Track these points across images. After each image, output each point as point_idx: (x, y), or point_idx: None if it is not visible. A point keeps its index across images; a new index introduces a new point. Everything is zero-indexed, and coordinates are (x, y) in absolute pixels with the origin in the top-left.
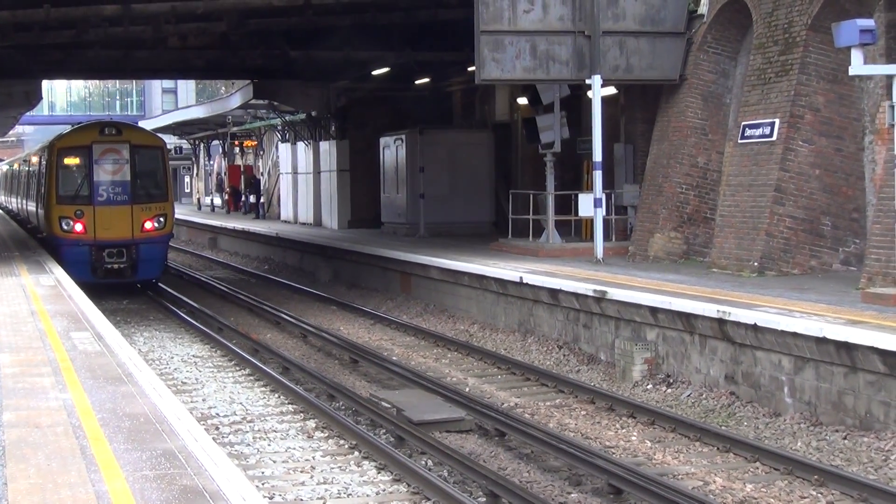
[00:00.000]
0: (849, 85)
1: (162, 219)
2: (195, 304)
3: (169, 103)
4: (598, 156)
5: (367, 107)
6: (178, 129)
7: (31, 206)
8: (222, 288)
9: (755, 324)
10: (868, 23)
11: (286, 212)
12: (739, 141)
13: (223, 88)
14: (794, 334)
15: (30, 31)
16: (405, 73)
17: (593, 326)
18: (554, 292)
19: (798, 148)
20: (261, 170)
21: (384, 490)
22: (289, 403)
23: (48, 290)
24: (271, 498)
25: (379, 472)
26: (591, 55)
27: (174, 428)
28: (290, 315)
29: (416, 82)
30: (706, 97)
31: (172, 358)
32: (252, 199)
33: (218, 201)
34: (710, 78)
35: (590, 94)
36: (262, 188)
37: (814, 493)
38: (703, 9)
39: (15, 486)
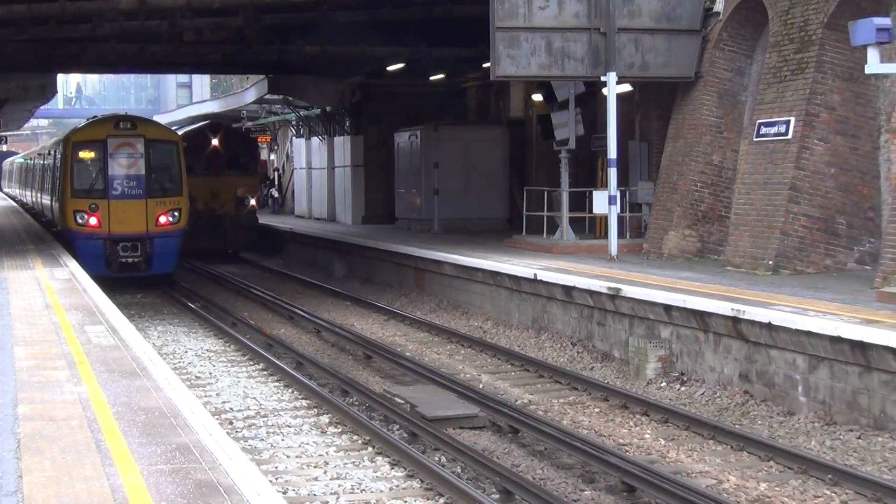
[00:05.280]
0: (865, 83)
1: (176, 213)
2: (209, 299)
3: (184, 98)
4: (612, 153)
5: (381, 102)
6: (193, 123)
7: (46, 200)
8: (236, 282)
9: (770, 322)
10: (884, 21)
11: (300, 207)
12: (755, 139)
13: (237, 83)
14: (809, 333)
15: (45, 25)
16: (420, 69)
17: (607, 324)
18: (568, 289)
19: (813, 146)
20: (275, 164)
21: (398, 486)
22: (302, 398)
23: (63, 283)
24: (285, 493)
25: (392, 468)
26: (606, 52)
27: (189, 422)
28: (304, 310)
29: (431, 78)
30: (721, 95)
31: (186, 352)
32: (274, 192)
33: None
34: (725, 76)
35: (605, 91)
36: (278, 183)
37: (828, 492)
38: (718, 6)
39: (30, 478)
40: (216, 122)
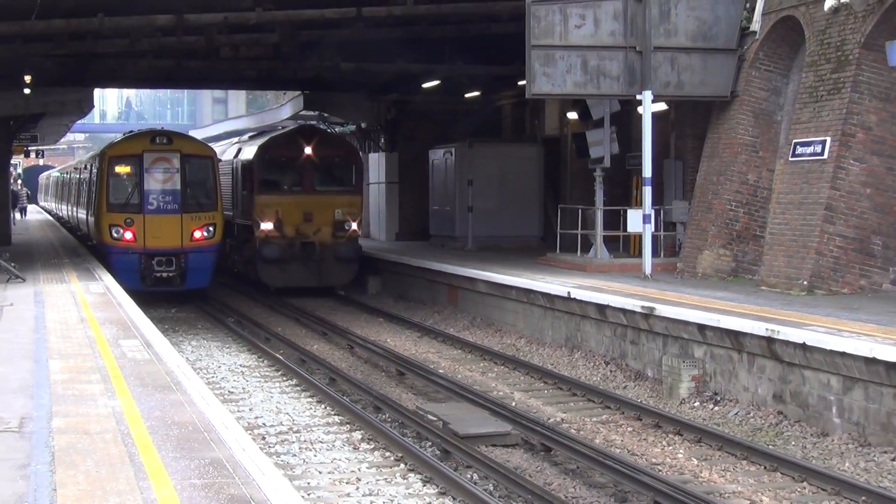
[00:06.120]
0: None
1: (211, 228)
2: (242, 314)
3: (219, 113)
4: (647, 171)
5: (416, 119)
6: (228, 139)
7: (82, 214)
8: (269, 298)
9: (804, 343)
10: None
11: None
12: (790, 159)
13: (272, 99)
14: (843, 354)
15: (83, 40)
16: (455, 87)
17: (641, 343)
18: (601, 308)
19: (849, 166)
20: None
21: (430, 503)
22: (335, 414)
23: (97, 297)
24: None
25: (424, 485)
26: (642, 71)
27: (222, 437)
28: (338, 326)
29: (467, 95)
30: (757, 114)
31: (220, 367)
32: None
33: None
34: (761, 95)
35: (640, 109)
36: None
37: None
38: (755, 25)
39: (64, 491)
40: (310, 126)
